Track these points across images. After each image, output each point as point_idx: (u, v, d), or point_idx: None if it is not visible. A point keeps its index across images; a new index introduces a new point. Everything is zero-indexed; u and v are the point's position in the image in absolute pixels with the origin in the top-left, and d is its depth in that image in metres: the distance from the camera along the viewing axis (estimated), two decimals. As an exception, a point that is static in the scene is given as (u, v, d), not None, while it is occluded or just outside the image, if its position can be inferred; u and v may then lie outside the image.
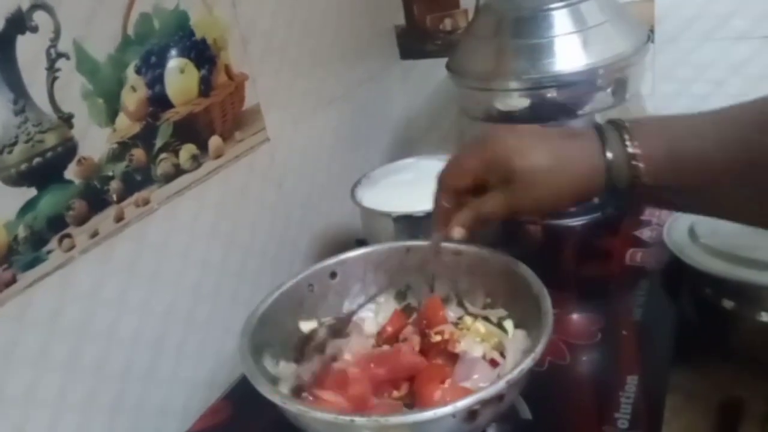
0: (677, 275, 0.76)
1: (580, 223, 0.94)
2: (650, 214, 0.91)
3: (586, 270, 0.83)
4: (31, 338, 0.55)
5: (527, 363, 0.46)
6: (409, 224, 0.73)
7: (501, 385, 0.45)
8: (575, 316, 0.73)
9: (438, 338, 0.57)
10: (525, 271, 0.57)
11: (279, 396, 0.47)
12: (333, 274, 0.65)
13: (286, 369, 0.58)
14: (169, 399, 0.69)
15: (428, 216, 0.72)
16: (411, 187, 0.80)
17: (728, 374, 0.72)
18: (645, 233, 0.87)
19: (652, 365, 0.64)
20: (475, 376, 0.53)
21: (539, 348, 0.48)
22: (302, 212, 0.91)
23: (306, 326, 0.62)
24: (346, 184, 0.81)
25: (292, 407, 0.46)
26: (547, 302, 0.53)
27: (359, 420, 0.43)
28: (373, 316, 0.64)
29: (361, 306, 0.64)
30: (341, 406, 0.50)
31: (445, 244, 0.64)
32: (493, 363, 0.55)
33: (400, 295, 0.66)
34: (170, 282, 0.69)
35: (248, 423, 0.65)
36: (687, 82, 1.01)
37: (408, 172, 0.84)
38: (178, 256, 0.70)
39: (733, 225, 0.78)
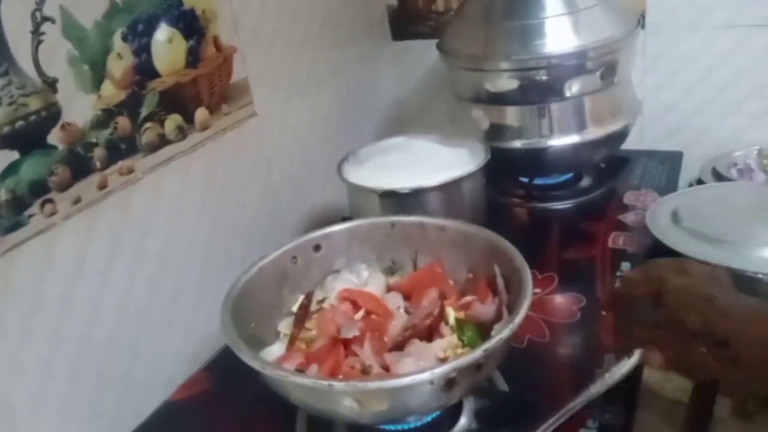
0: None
1: (565, 206, 0.95)
2: (635, 199, 0.92)
3: (570, 252, 0.83)
4: (14, 306, 0.55)
5: (506, 332, 0.47)
6: (395, 201, 0.73)
7: (478, 353, 0.45)
8: (557, 297, 0.74)
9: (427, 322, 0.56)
10: (507, 246, 0.58)
11: (259, 362, 0.47)
12: (317, 247, 0.65)
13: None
14: (154, 372, 0.69)
15: (414, 193, 0.73)
16: (398, 165, 0.80)
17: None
18: (629, 218, 0.88)
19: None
20: (421, 363, 0.52)
21: (518, 318, 0.48)
22: (291, 191, 0.91)
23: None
24: (335, 164, 0.81)
25: (272, 373, 0.46)
26: (527, 275, 0.53)
27: (337, 385, 0.44)
28: (358, 282, 0.64)
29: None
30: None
31: (429, 220, 0.65)
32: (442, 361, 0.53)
33: (388, 271, 0.66)
34: (155, 255, 0.69)
35: (227, 394, 0.65)
36: (674, 71, 1.01)
37: (396, 151, 0.84)
38: (164, 229, 0.70)
39: (716, 210, 0.79)
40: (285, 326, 0.61)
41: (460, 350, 0.54)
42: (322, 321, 0.58)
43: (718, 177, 0.93)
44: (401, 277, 0.66)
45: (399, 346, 0.56)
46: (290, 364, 0.54)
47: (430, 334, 0.56)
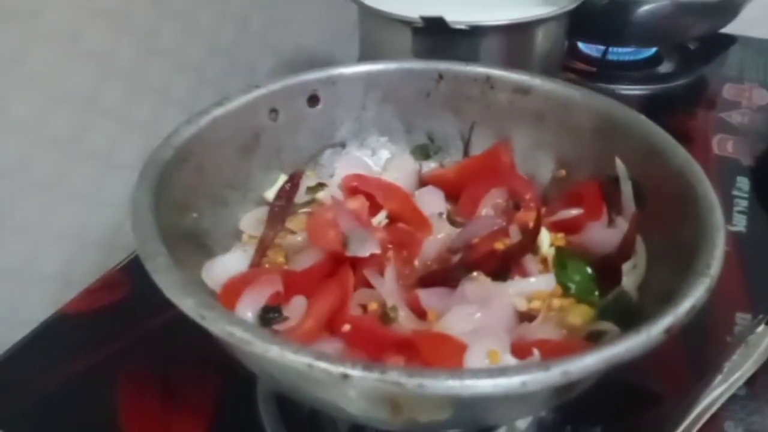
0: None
1: (642, 93, 0.71)
2: (737, 94, 0.68)
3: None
4: None
5: (699, 292, 0.23)
6: (439, 43, 0.47)
7: (656, 334, 0.22)
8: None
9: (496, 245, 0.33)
10: (652, 128, 0.33)
11: (192, 303, 0.23)
12: (313, 99, 0.39)
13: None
14: (36, 258, 0.45)
15: (472, 33, 0.46)
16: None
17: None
18: (734, 117, 0.65)
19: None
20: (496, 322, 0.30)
21: (714, 267, 0.25)
22: (268, 15, 0.63)
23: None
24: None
25: (219, 330, 0.22)
26: (705, 186, 0.29)
27: (361, 376, 0.20)
28: (372, 165, 0.40)
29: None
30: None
31: (502, 74, 0.40)
32: (525, 317, 0.31)
33: (422, 152, 0.42)
34: (45, 76, 0.43)
35: (152, 314, 0.41)
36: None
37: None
38: (57, 42, 0.43)
39: None
40: (251, 223, 0.37)
41: (557, 301, 0.31)
42: (317, 223, 0.34)
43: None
44: (442, 165, 0.42)
45: (437, 279, 0.33)
46: (256, 293, 0.31)
47: (501, 265, 0.32)
